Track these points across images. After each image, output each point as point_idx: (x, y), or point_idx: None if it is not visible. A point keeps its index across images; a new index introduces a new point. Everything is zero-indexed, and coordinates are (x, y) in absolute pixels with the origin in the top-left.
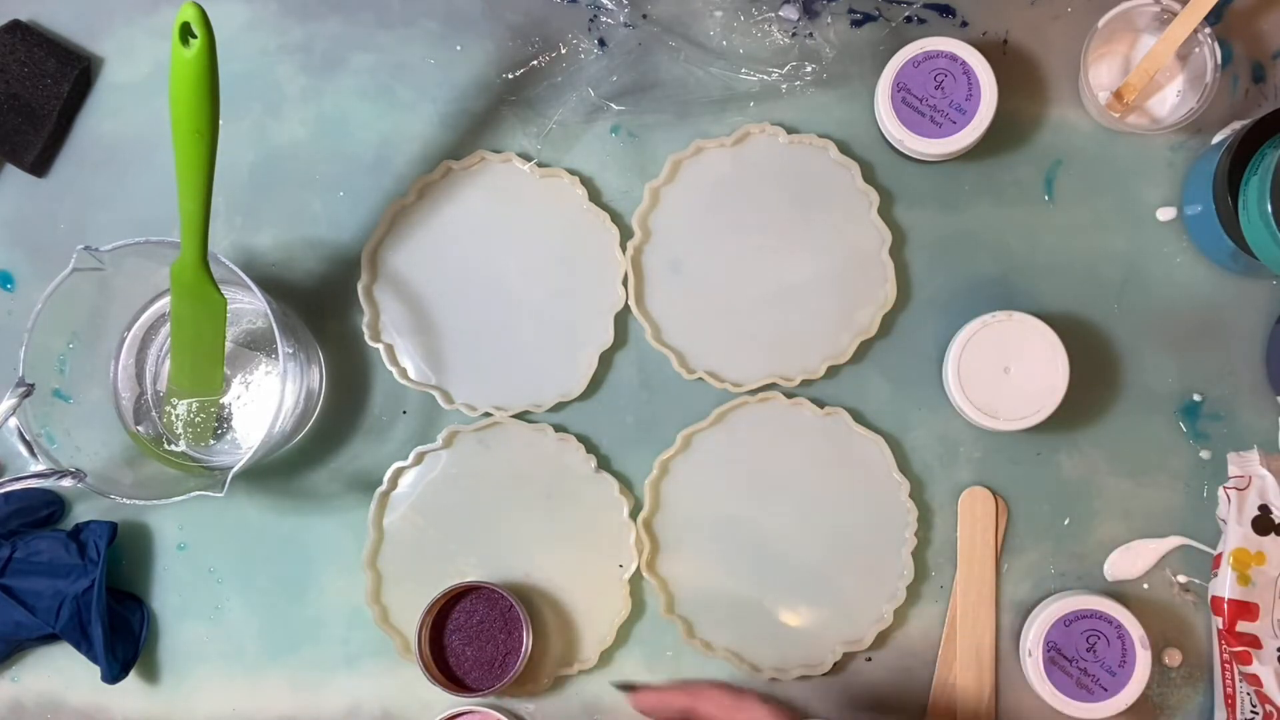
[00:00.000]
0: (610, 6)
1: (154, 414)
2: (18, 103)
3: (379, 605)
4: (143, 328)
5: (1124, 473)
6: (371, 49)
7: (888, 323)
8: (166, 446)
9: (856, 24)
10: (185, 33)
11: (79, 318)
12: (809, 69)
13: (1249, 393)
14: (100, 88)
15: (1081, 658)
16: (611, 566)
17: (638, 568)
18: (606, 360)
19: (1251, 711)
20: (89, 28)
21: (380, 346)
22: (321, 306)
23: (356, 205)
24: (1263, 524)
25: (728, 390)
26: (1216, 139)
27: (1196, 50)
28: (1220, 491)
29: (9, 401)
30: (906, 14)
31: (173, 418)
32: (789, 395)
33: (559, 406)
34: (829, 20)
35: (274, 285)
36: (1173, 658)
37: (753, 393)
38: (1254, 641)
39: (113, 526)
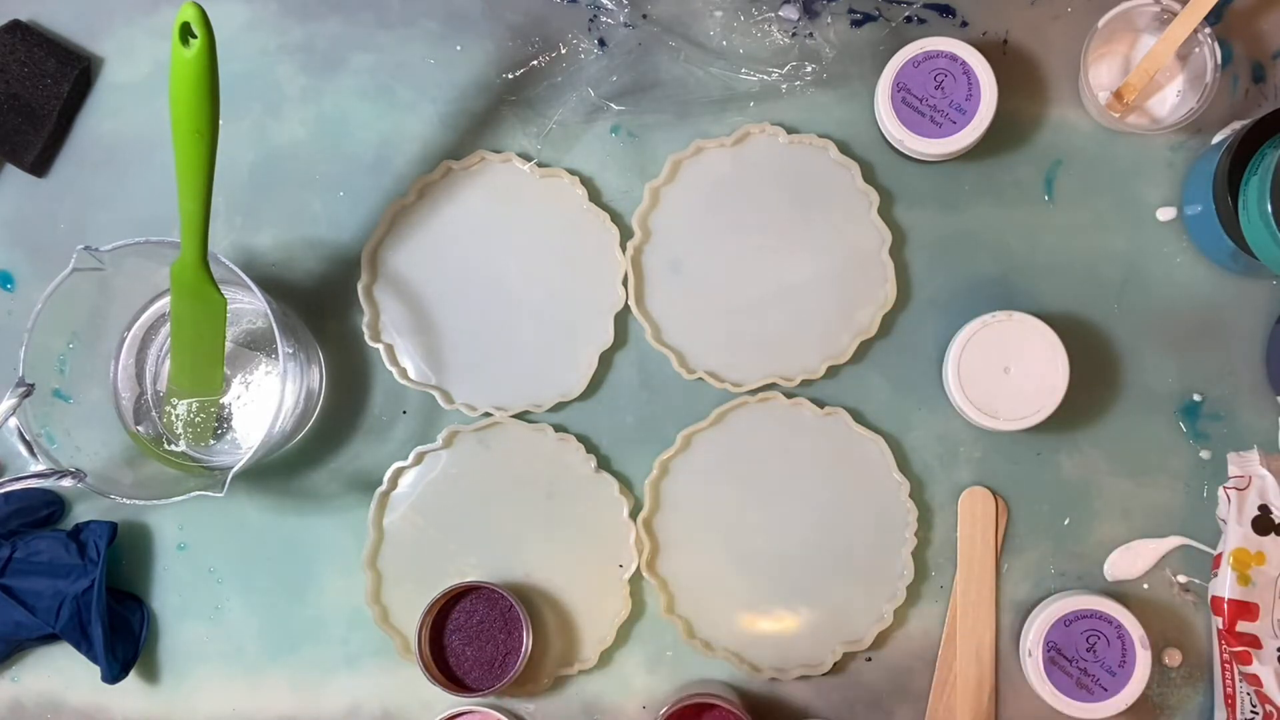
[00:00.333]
0: (610, 6)
1: (154, 414)
2: (18, 103)
3: (379, 605)
4: (143, 328)
5: (1124, 473)
6: (371, 49)
7: (888, 323)
8: (166, 446)
9: (856, 24)
10: (185, 33)
11: (79, 318)
12: (809, 69)
13: (1249, 393)
14: (100, 88)
15: (1081, 658)
16: (611, 566)
17: (638, 568)
18: (606, 360)
19: (1251, 711)
20: (89, 28)
21: (380, 346)
22: (321, 306)
23: (356, 205)
24: (1263, 524)
25: (728, 390)
26: (1216, 139)
27: (1196, 50)
28: (1220, 491)
29: (9, 401)
30: (906, 14)
31: (173, 418)
32: (789, 395)
33: (559, 406)
34: (829, 20)
35: (274, 285)
36: (1173, 658)
37: (753, 393)
38: (1254, 641)
39: (113, 526)
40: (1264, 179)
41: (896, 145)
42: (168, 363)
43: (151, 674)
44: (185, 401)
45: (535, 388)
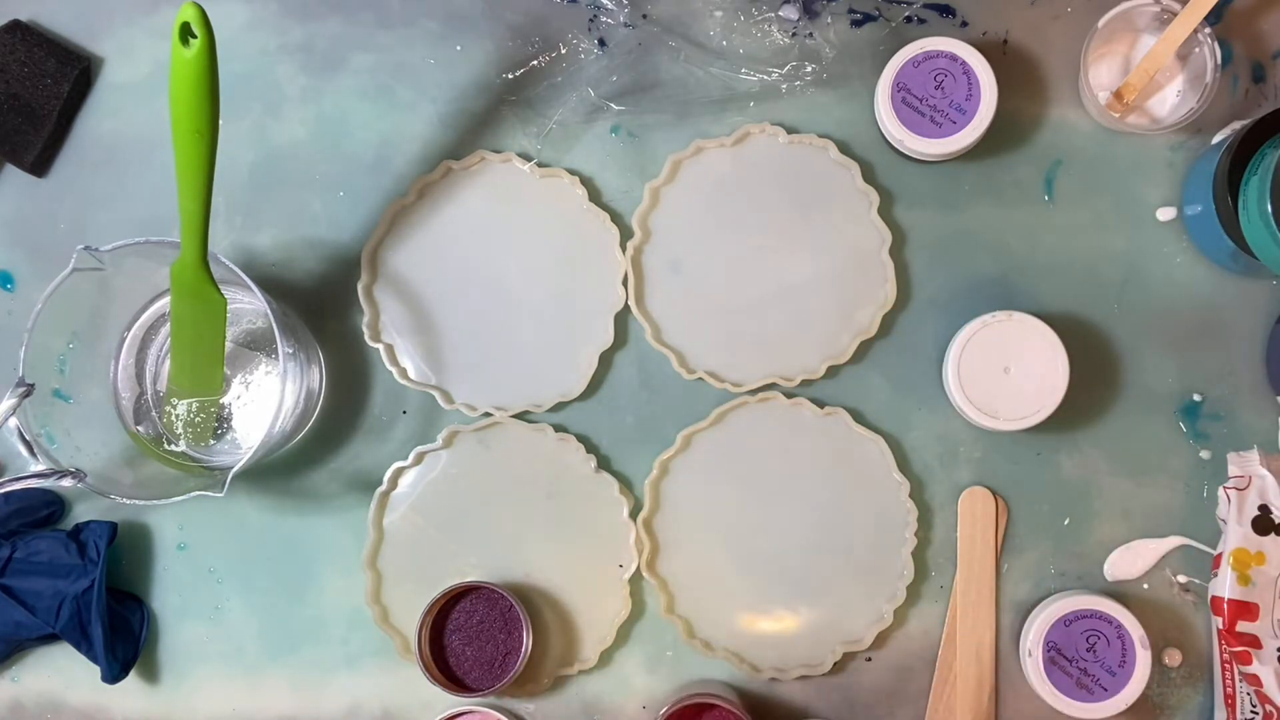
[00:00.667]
0: (610, 6)
1: (154, 414)
2: (18, 103)
3: (379, 605)
4: (143, 328)
5: (1124, 473)
6: (371, 49)
7: (888, 323)
8: (166, 446)
9: (856, 24)
10: (185, 33)
11: (79, 318)
12: (809, 69)
13: (1249, 393)
14: (100, 88)
15: (1081, 658)
16: (611, 566)
17: (638, 568)
18: (606, 360)
19: (1251, 711)
20: (89, 28)
21: (380, 346)
22: (321, 306)
23: (356, 205)
24: (1263, 524)
25: (728, 390)
26: (1216, 139)
27: (1196, 50)
28: (1220, 491)
29: (9, 401)
30: (906, 14)
31: (173, 418)
32: (789, 395)
33: (559, 406)
34: (829, 20)
35: (274, 285)
36: (1173, 658)
37: (753, 393)
38: (1254, 641)
39: (113, 526)
40: (1264, 179)
41: (896, 145)
42: (168, 363)
43: (151, 674)
44: (185, 401)
45: (535, 388)
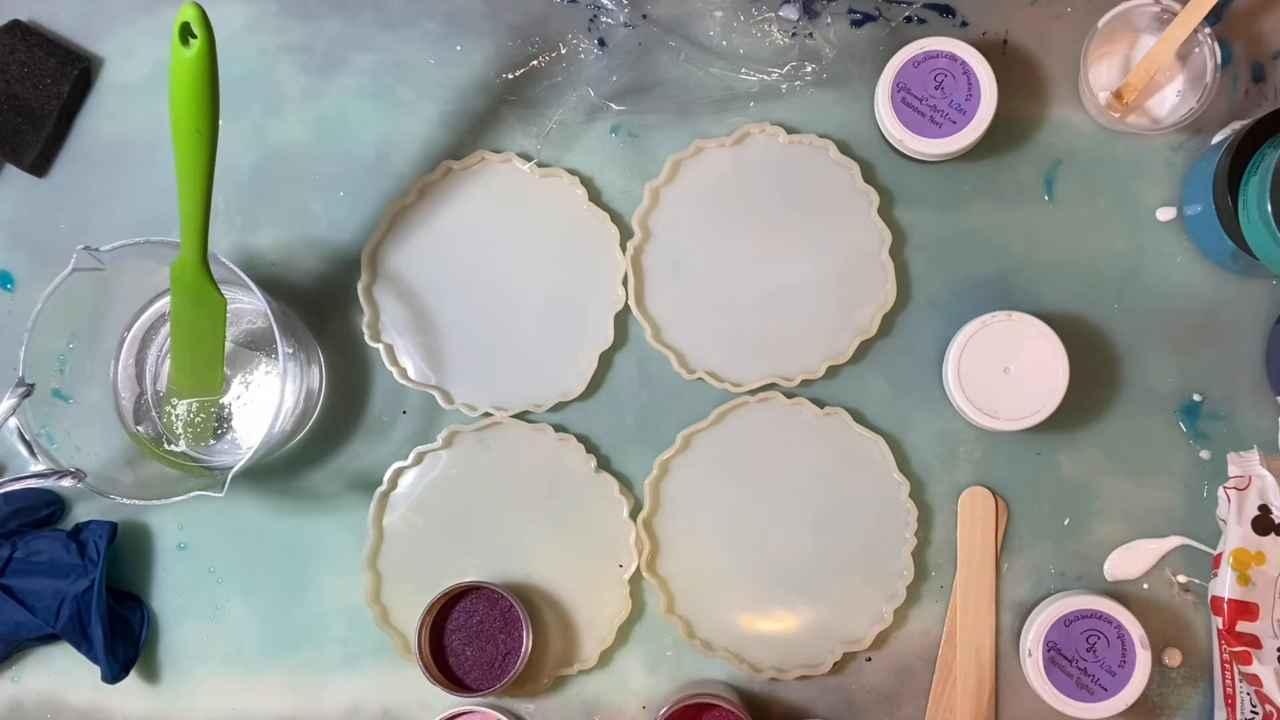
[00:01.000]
0: (610, 6)
1: (154, 414)
2: (18, 103)
3: (379, 605)
4: (143, 328)
5: (1124, 473)
6: (371, 49)
7: (888, 323)
8: (166, 446)
9: (856, 24)
10: (185, 33)
11: (79, 318)
12: (809, 69)
13: (1249, 393)
14: (100, 88)
15: (1081, 658)
16: (611, 566)
17: (638, 568)
18: (606, 360)
19: (1251, 711)
20: (89, 28)
21: (380, 346)
22: (321, 306)
23: (356, 205)
24: (1263, 524)
25: (728, 390)
26: (1216, 139)
27: (1196, 50)
28: (1220, 491)
29: (9, 401)
30: (906, 14)
31: (173, 418)
32: (789, 395)
33: (559, 406)
34: (829, 20)
35: (274, 285)
36: (1173, 658)
37: (753, 393)
38: (1254, 641)
39: (113, 526)
40: (1264, 179)
41: (896, 145)
42: (168, 363)
43: (151, 674)
44: (185, 401)
45: (535, 388)
